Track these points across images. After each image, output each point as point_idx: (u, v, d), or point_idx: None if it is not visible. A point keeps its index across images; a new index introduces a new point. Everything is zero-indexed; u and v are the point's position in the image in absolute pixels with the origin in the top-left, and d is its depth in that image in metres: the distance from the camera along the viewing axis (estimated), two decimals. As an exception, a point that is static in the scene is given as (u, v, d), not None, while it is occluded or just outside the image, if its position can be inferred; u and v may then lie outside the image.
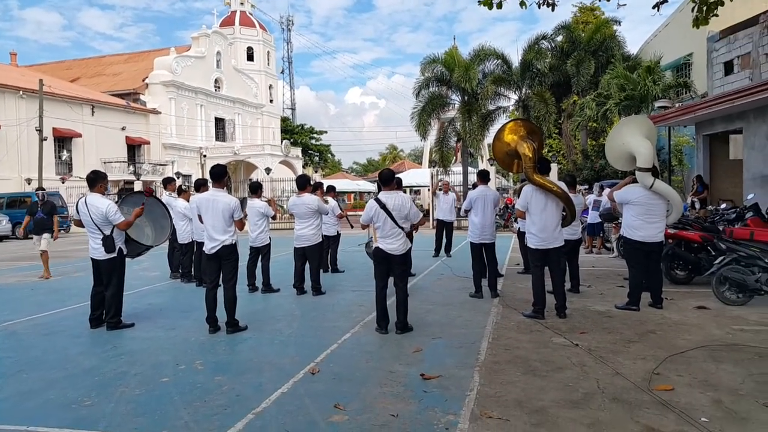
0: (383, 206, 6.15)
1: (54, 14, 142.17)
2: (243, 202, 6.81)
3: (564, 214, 7.01)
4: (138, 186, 37.33)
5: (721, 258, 7.52)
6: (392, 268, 6.29)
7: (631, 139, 7.23)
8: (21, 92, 32.76)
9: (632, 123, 7.75)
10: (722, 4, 6.40)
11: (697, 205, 12.91)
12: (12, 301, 8.90)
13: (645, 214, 7.06)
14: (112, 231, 6.53)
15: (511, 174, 56.67)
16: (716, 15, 6.52)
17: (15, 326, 6.99)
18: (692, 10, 6.64)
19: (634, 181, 7.26)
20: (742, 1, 7.68)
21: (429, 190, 13.91)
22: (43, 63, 56.11)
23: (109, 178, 7.37)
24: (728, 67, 17.55)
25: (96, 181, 6.69)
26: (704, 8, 6.45)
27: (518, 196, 7.37)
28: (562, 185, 7.06)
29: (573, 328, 6.23)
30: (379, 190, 6.52)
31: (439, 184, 15.03)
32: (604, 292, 8.41)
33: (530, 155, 6.84)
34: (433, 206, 21.12)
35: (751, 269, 7.14)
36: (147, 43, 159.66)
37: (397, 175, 6.78)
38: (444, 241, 13.46)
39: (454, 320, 6.79)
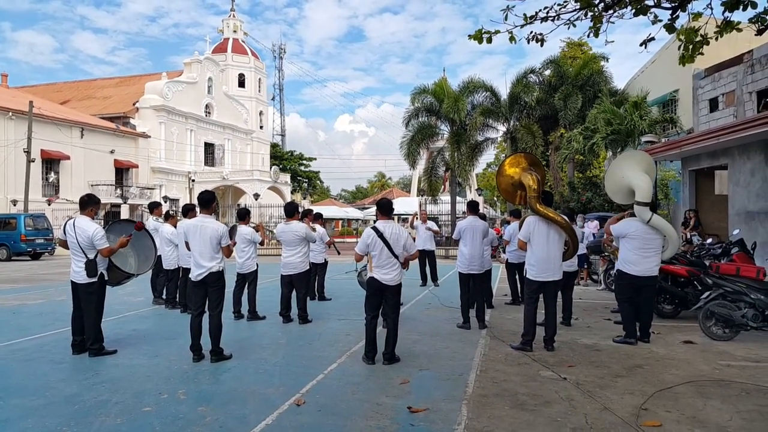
0: (380, 235, 6.10)
1: (46, 37, 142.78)
2: (233, 230, 6.76)
3: (566, 247, 7.02)
4: (125, 209, 37.14)
5: (708, 293, 7.57)
6: (385, 299, 6.22)
7: (631, 173, 7.30)
8: (10, 113, 32.67)
9: (633, 157, 7.85)
10: (707, 43, 6.51)
11: (696, 239, 12.68)
12: (-8, 324, 8.73)
13: (641, 248, 7.10)
14: (96, 255, 6.45)
15: (498, 204, 57.06)
16: (702, 53, 6.62)
17: (-6, 351, 6.84)
18: (678, 47, 6.75)
19: (632, 215, 7.31)
20: (727, 41, 7.83)
21: (415, 217, 13.91)
22: (34, 85, 56.21)
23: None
24: (713, 104, 17.87)
25: (88, 204, 6.64)
26: (690, 46, 6.56)
27: (506, 227, 7.38)
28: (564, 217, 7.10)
29: (561, 362, 6.20)
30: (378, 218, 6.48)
31: (415, 216, 15.13)
32: (591, 325, 8.40)
33: (534, 186, 6.87)
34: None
35: (738, 305, 7.18)
36: (138, 68, 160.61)
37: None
38: (428, 270, 13.45)
39: (441, 351, 6.73)
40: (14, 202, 31.69)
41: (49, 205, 33.39)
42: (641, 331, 7.22)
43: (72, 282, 6.62)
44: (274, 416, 4.50)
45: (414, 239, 13.04)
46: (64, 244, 6.64)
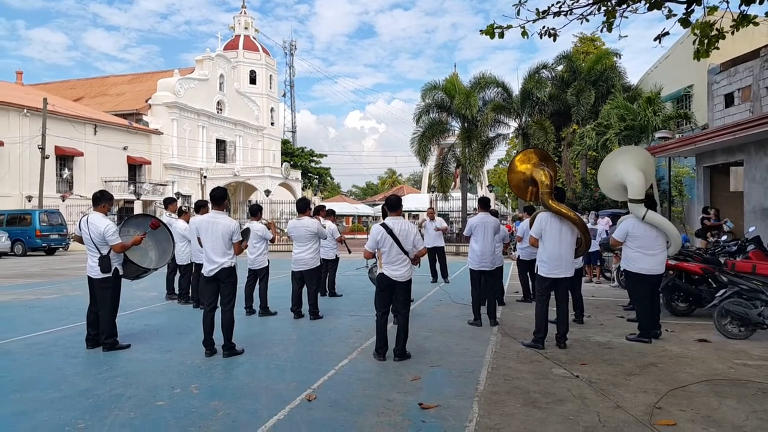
0: (390, 231, 6.09)
1: (60, 34, 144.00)
2: (246, 233, 6.76)
3: (578, 245, 6.96)
4: (138, 206, 37.37)
5: (723, 291, 7.45)
6: (396, 295, 6.22)
7: (623, 168, 7.23)
8: (25, 110, 32.95)
9: (626, 154, 7.75)
10: (723, 37, 6.42)
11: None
12: (8, 319, 8.81)
13: (642, 246, 7.03)
14: (109, 251, 6.49)
15: (509, 201, 56.82)
16: (717, 48, 6.53)
17: (10, 345, 6.91)
18: (693, 42, 6.66)
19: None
20: (743, 35, 7.71)
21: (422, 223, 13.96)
22: (48, 82, 56.64)
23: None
24: (729, 99, 17.65)
25: (101, 200, 6.69)
26: (705, 41, 6.47)
27: (517, 224, 7.32)
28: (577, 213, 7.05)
29: (573, 359, 6.16)
30: (384, 215, 6.46)
31: (426, 216, 15.00)
32: (604, 323, 8.34)
33: (547, 182, 6.82)
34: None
35: (754, 303, 7.07)
36: (151, 65, 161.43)
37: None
38: (438, 266, 13.41)
39: (452, 348, 6.72)
40: (29, 198, 31.97)
41: (63, 201, 33.67)
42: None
43: (88, 277, 6.68)
44: (286, 411, 4.51)
45: (423, 237, 12.95)
46: (80, 240, 6.70)
